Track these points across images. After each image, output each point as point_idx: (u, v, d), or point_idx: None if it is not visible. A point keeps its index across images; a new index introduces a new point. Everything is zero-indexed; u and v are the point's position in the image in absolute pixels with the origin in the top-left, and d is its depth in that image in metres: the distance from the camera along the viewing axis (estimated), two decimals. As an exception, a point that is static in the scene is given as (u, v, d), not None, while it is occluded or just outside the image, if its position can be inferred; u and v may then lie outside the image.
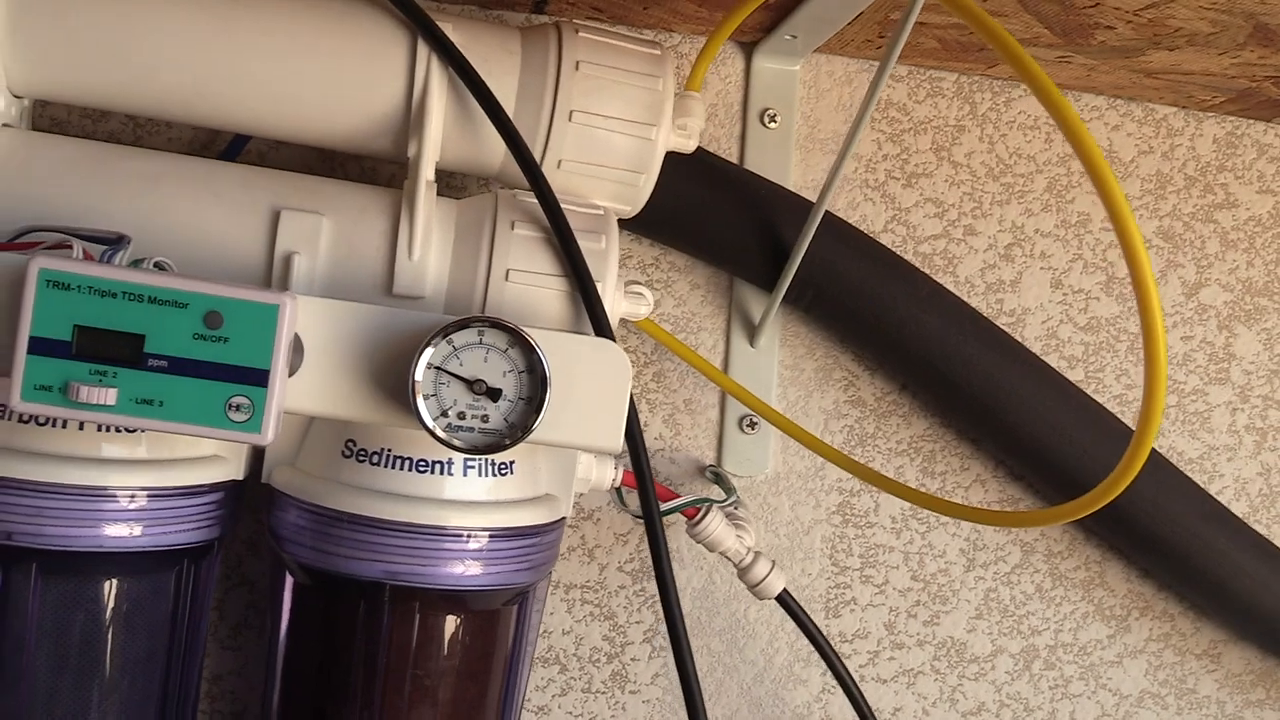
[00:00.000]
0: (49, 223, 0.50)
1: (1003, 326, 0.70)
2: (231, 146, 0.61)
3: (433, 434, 0.47)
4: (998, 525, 0.71)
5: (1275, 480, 0.73)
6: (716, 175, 0.66)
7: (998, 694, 0.72)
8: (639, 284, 0.57)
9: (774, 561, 0.62)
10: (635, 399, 0.70)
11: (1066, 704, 0.72)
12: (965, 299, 0.69)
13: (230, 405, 0.46)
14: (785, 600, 0.62)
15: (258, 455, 0.56)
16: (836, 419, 0.71)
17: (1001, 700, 0.73)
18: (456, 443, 0.47)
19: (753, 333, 0.70)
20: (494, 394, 0.47)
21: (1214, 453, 0.73)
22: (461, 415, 0.47)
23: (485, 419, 0.48)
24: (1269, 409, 0.73)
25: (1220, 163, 0.74)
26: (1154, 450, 0.69)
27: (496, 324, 0.47)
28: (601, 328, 0.52)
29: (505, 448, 0.48)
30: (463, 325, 0.47)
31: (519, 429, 0.48)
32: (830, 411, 0.71)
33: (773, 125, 0.70)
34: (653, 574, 0.69)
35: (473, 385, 0.47)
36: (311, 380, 0.48)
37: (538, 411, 0.47)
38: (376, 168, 0.66)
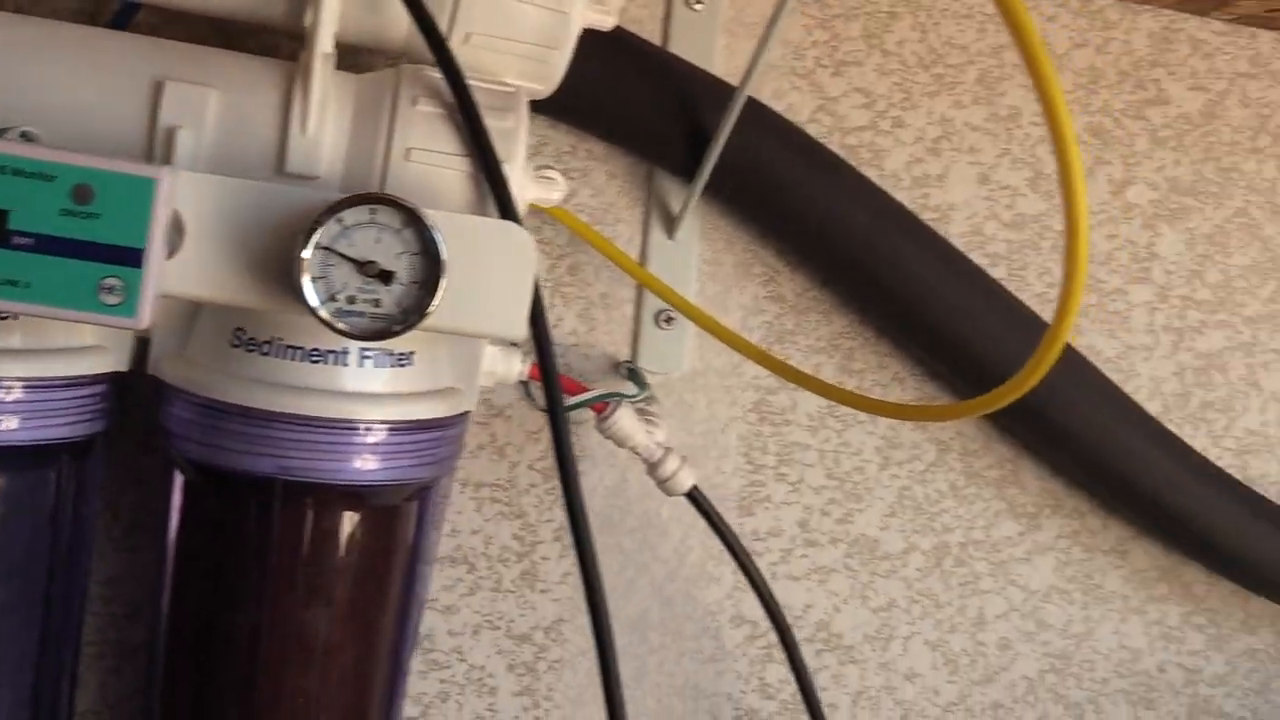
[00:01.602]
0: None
1: (927, 222, 0.68)
2: (119, 16, 0.57)
3: (319, 317, 0.44)
4: (910, 419, 0.70)
5: (1190, 379, 0.73)
6: (636, 57, 0.63)
7: (908, 590, 0.73)
8: (551, 168, 0.54)
9: (684, 458, 0.61)
10: (549, 292, 0.68)
11: (976, 600, 0.73)
12: (891, 193, 0.68)
13: (102, 286, 0.43)
14: (695, 497, 0.61)
15: (144, 346, 0.53)
16: (755, 314, 0.69)
17: (912, 596, 0.73)
18: (343, 327, 0.45)
19: (671, 225, 0.67)
20: (385, 276, 0.45)
21: (1131, 352, 0.73)
22: (351, 299, 0.45)
23: (377, 303, 0.45)
24: (1187, 309, 0.73)
25: (1154, 58, 0.72)
26: (1071, 348, 0.69)
27: (390, 201, 0.44)
28: (506, 210, 0.50)
29: (396, 334, 0.45)
30: (354, 202, 0.44)
31: (412, 314, 0.45)
32: (749, 307, 0.69)
33: (699, 7, 0.67)
34: (565, 470, 0.68)
35: (363, 267, 0.45)
36: (192, 261, 0.45)
37: (432, 295, 0.45)
38: (278, 45, 0.62)
